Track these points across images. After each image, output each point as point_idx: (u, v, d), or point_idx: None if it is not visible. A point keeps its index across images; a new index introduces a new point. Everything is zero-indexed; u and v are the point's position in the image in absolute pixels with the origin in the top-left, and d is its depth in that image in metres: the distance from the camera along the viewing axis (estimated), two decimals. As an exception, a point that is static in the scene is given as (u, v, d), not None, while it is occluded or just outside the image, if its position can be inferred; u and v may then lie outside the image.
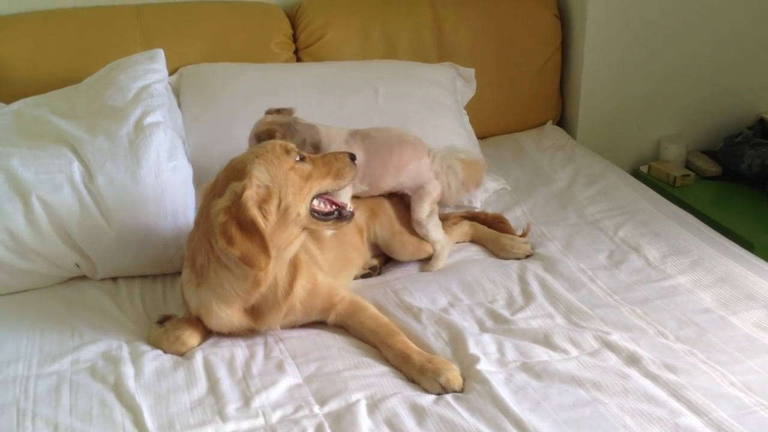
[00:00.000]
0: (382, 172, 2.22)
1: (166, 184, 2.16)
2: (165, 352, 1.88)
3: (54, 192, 2.10)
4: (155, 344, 1.90)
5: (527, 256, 2.29)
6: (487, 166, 2.41)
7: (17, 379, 1.77)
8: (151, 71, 2.38)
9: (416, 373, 1.76)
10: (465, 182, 2.33)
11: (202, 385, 1.75)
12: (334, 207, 1.92)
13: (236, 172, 1.80)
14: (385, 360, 1.84)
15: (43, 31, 2.61)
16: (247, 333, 1.94)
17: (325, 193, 1.90)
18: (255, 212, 1.72)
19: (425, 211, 2.25)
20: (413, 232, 2.27)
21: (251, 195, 1.73)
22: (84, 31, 2.64)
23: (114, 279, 2.22)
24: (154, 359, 1.83)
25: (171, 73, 2.58)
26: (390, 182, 2.24)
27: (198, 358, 1.84)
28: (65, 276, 2.19)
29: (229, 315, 1.87)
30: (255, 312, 1.91)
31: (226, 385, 1.75)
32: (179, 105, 2.52)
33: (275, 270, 1.85)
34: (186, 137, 2.43)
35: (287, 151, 1.84)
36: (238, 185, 1.74)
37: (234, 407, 1.67)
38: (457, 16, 2.99)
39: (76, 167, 2.14)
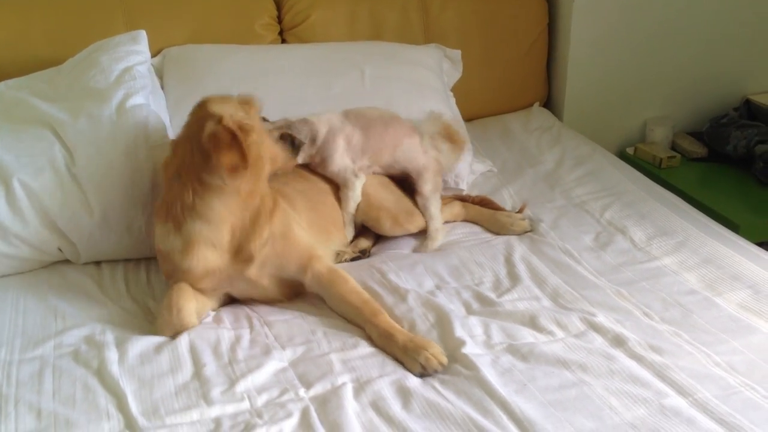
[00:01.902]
0: (380, 146, 2.27)
1: (149, 168, 2.14)
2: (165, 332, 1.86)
3: (36, 175, 2.08)
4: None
5: (526, 232, 2.30)
6: (465, 133, 2.47)
7: (0, 364, 1.76)
8: (134, 53, 2.35)
9: (399, 352, 1.77)
10: (452, 149, 2.37)
11: (187, 370, 1.74)
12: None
13: (202, 117, 1.87)
14: (368, 338, 1.84)
15: (24, 13, 2.57)
16: (223, 281, 1.94)
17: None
18: (235, 127, 1.81)
19: (428, 185, 2.29)
20: (392, 206, 2.27)
21: (226, 117, 1.82)
22: (66, 12, 2.60)
23: (97, 263, 2.21)
24: (137, 343, 1.81)
25: (154, 55, 2.55)
26: (388, 158, 2.29)
27: (183, 342, 1.82)
28: (48, 260, 2.18)
29: (213, 251, 1.88)
30: (237, 252, 1.92)
31: (212, 369, 1.74)
32: (162, 87, 2.50)
33: (262, 185, 1.92)
34: (169, 120, 2.40)
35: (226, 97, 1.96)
36: (214, 116, 1.83)
37: (219, 391, 1.66)
38: (443, -3, 2.98)
39: (58, 150, 2.12)
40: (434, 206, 2.29)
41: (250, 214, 1.91)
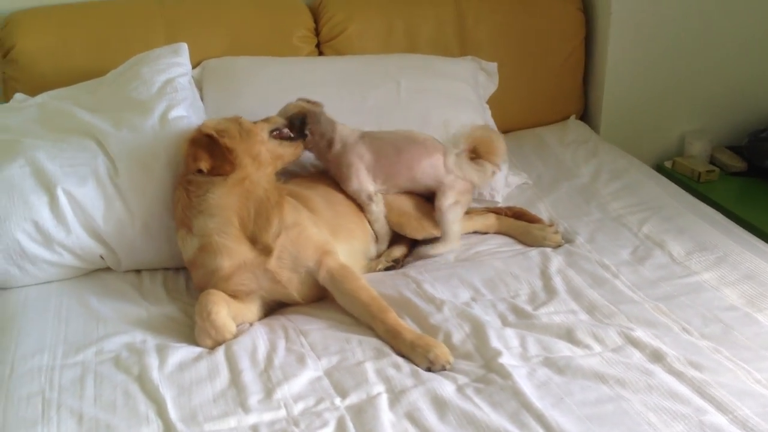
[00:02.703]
0: (392, 171, 2.28)
1: (191, 178, 2.18)
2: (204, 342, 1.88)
3: (79, 185, 2.12)
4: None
5: (558, 246, 2.29)
6: (501, 138, 2.41)
7: (42, 369, 1.79)
8: (175, 65, 2.39)
9: (407, 348, 1.81)
10: (483, 168, 2.33)
11: (224, 377, 1.75)
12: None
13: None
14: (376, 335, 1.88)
15: (66, 25, 2.63)
16: (250, 278, 1.97)
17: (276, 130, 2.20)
18: (211, 131, 2.04)
19: (448, 200, 2.27)
20: (413, 211, 2.30)
21: (207, 124, 2.09)
22: (107, 24, 2.66)
23: (137, 271, 2.24)
24: (177, 350, 1.84)
25: (193, 67, 2.58)
26: (404, 181, 2.30)
27: (220, 350, 1.85)
28: (89, 268, 2.21)
29: (230, 240, 1.95)
30: (253, 243, 1.98)
31: (249, 376, 1.75)
32: (202, 98, 2.53)
33: (258, 177, 2.04)
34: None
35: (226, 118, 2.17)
36: (189, 134, 2.09)
37: (256, 399, 1.68)
38: (479, 10, 2.98)
39: (101, 160, 2.16)
40: (449, 222, 2.26)
41: (254, 204, 1.99)
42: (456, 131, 2.35)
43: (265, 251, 1.97)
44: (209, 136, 2.02)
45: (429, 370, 1.77)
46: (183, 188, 2.04)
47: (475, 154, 2.34)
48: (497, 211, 2.47)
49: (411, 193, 2.36)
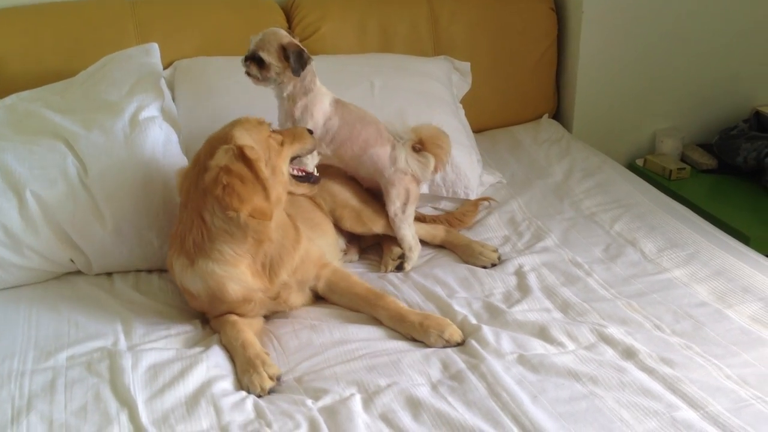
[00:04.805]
0: (347, 142, 2.23)
1: (161, 179, 2.15)
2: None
3: (48, 187, 2.10)
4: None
5: (493, 265, 2.23)
6: (448, 137, 2.35)
7: (12, 375, 1.77)
8: (146, 65, 2.37)
9: (416, 330, 1.87)
10: (426, 162, 2.29)
11: (197, 379, 1.73)
12: (303, 173, 2.06)
13: (219, 141, 1.85)
14: (376, 322, 1.94)
15: (36, 25, 2.60)
16: (259, 306, 1.95)
17: (295, 158, 2.01)
18: (259, 165, 1.80)
19: (395, 204, 2.25)
20: (356, 205, 2.28)
21: (250, 152, 1.80)
22: (78, 24, 2.63)
23: (108, 274, 2.22)
24: (149, 353, 1.82)
25: (165, 67, 2.57)
26: (351, 158, 2.24)
27: (193, 352, 1.83)
28: (60, 271, 2.19)
29: (239, 274, 1.88)
30: (267, 270, 1.94)
31: (221, 378, 1.74)
32: (173, 99, 2.51)
33: (276, 217, 1.88)
34: (180, 132, 2.41)
35: (260, 123, 1.93)
36: (228, 147, 1.80)
37: (229, 401, 1.67)
38: (453, 10, 2.99)
39: (71, 162, 2.14)
40: (403, 227, 2.25)
41: (275, 248, 1.92)
42: (404, 127, 2.32)
43: (283, 286, 1.97)
44: (250, 166, 1.78)
45: (444, 347, 1.83)
46: (194, 220, 1.85)
47: (421, 146, 2.29)
48: (450, 223, 2.44)
49: (355, 185, 2.34)
